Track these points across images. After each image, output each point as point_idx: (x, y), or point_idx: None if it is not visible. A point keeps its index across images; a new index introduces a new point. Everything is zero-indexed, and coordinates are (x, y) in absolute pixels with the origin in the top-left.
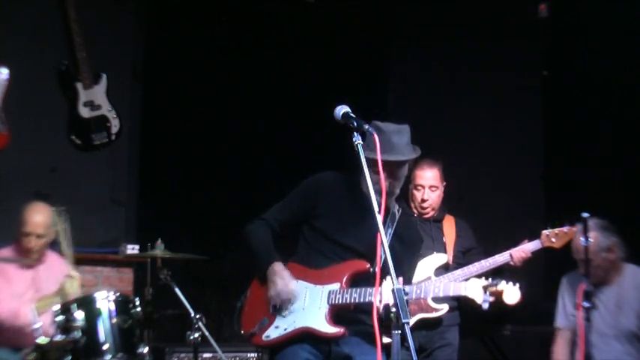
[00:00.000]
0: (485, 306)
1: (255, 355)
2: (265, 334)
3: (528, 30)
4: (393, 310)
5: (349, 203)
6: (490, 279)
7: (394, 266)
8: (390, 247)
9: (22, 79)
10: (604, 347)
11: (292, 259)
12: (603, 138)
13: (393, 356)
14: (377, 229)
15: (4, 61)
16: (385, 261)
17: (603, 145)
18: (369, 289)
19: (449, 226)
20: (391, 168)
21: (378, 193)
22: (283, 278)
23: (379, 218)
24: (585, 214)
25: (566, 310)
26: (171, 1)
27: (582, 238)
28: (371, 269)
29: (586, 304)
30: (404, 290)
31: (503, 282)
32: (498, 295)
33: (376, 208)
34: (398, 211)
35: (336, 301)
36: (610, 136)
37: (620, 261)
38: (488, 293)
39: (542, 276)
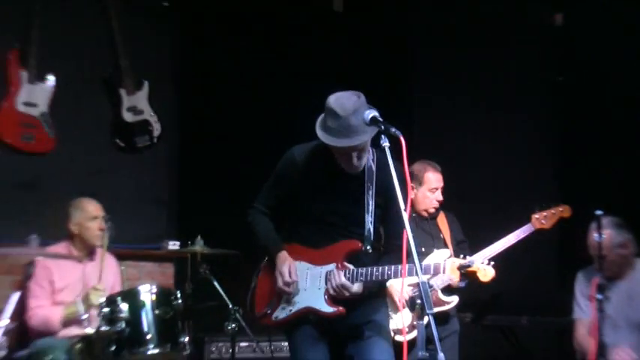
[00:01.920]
0: (462, 285)
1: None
2: (274, 315)
3: (545, 37)
4: (418, 302)
5: (328, 177)
6: (464, 258)
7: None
8: (377, 204)
9: (69, 86)
10: (616, 338)
11: (294, 239)
12: (617, 138)
13: (419, 344)
14: (362, 200)
15: (51, 69)
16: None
17: (617, 145)
18: (359, 270)
19: (442, 221)
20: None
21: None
22: (284, 273)
23: (405, 215)
24: (599, 212)
25: (582, 302)
26: (207, 12)
27: (596, 235)
28: (363, 248)
29: (599, 297)
30: (429, 283)
31: (477, 262)
32: (473, 275)
33: (402, 206)
34: (373, 160)
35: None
36: (624, 136)
37: (633, 256)
38: (463, 274)
39: (556, 270)
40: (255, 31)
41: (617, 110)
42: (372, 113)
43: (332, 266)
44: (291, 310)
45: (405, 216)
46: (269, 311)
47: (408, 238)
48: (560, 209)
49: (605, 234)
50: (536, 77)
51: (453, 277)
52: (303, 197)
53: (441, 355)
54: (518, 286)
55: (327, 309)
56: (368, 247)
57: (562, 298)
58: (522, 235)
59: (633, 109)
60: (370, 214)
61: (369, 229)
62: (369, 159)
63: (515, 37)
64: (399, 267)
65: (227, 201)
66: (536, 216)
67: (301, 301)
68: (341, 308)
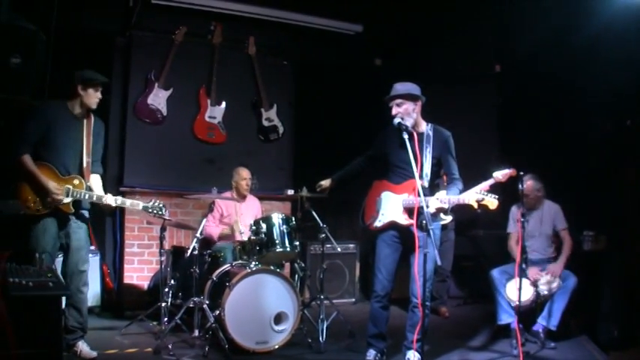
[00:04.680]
0: (479, 210)
1: (353, 245)
2: (374, 224)
3: (489, 79)
4: (424, 222)
5: (398, 143)
6: (481, 193)
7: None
8: (434, 157)
9: (233, 107)
10: (532, 242)
11: (384, 178)
12: (535, 138)
13: (422, 244)
14: (421, 153)
15: (223, 97)
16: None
17: (536, 140)
18: (419, 197)
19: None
20: (394, 101)
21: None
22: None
23: (416, 170)
24: (522, 173)
25: (512, 222)
26: (306, 68)
27: (520, 185)
28: (420, 184)
29: (522, 220)
30: (427, 206)
31: (487, 196)
32: (485, 205)
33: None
34: (430, 130)
35: (406, 204)
36: (547, 120)
37: (543, 197)
38: (480, 205)
39: (501, 203)
40: (330, 79)
41: (542, 118)
42: (397, 121)
43: (405, 195)
44: (384, 222)
45: (417, 173)
46: (370, 222)
47: (419, 189)
48: (509, 170)
49: (527, 184)
50: (482, 104)
51: (474, 204)
52: (387, 153)
53: (430, 249)
54: (480, 214)
55: (404, 221)
56: (425, 184)
57: (503, 220)
58: (489, 184)
59: (554, 116)
60: (428, 162)
61: (427, 172)
62: (427, 130)
63: (473, 77)
64: (459, 194)
65: (317, 168)
66: (496, 174)
67: (387, 216)
68: (411, 221)
